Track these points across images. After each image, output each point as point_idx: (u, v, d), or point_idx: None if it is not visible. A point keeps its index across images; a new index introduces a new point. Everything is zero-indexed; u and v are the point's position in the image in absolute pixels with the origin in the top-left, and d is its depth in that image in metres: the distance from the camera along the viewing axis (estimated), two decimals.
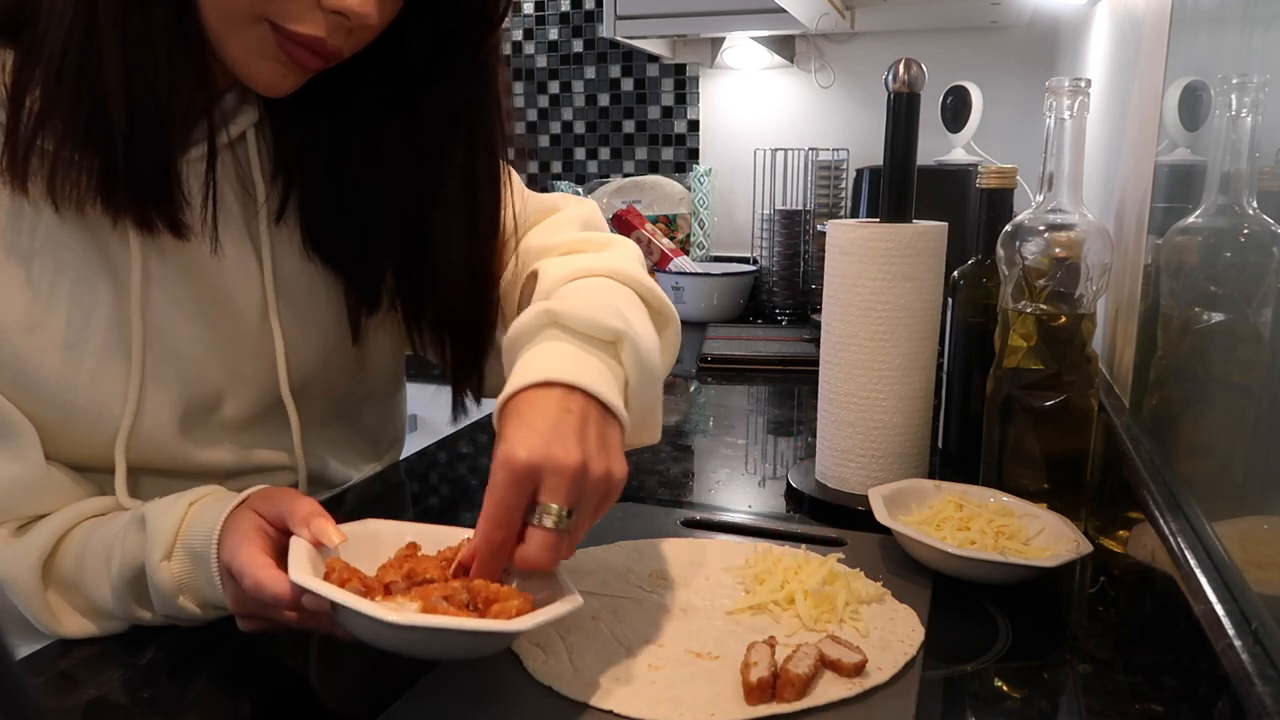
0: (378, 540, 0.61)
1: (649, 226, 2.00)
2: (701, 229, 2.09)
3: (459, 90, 0.73)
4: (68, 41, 0.59)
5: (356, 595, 0.53)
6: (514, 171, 0.82)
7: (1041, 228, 0.80)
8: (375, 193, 0.74)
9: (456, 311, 0.78)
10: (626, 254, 0.77)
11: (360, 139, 0.73)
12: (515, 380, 0.60)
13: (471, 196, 0.75)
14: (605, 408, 0.59)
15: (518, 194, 0.83)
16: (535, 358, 0.61)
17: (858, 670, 0.57)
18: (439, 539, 0.61)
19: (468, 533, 0.63)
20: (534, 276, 0.75)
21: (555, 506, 0.55)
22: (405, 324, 0.80)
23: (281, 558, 0.57)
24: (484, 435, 1.14)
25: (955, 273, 0.96)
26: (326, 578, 0.55)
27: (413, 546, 0.60)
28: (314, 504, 0.59)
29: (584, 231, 0.82)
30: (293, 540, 0.57)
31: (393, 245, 0.77)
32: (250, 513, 0.60)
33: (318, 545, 0.57)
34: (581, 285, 0.70)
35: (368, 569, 0.58)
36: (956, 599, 0.69)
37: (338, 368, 0.80)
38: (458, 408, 0.84)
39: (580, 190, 2.16)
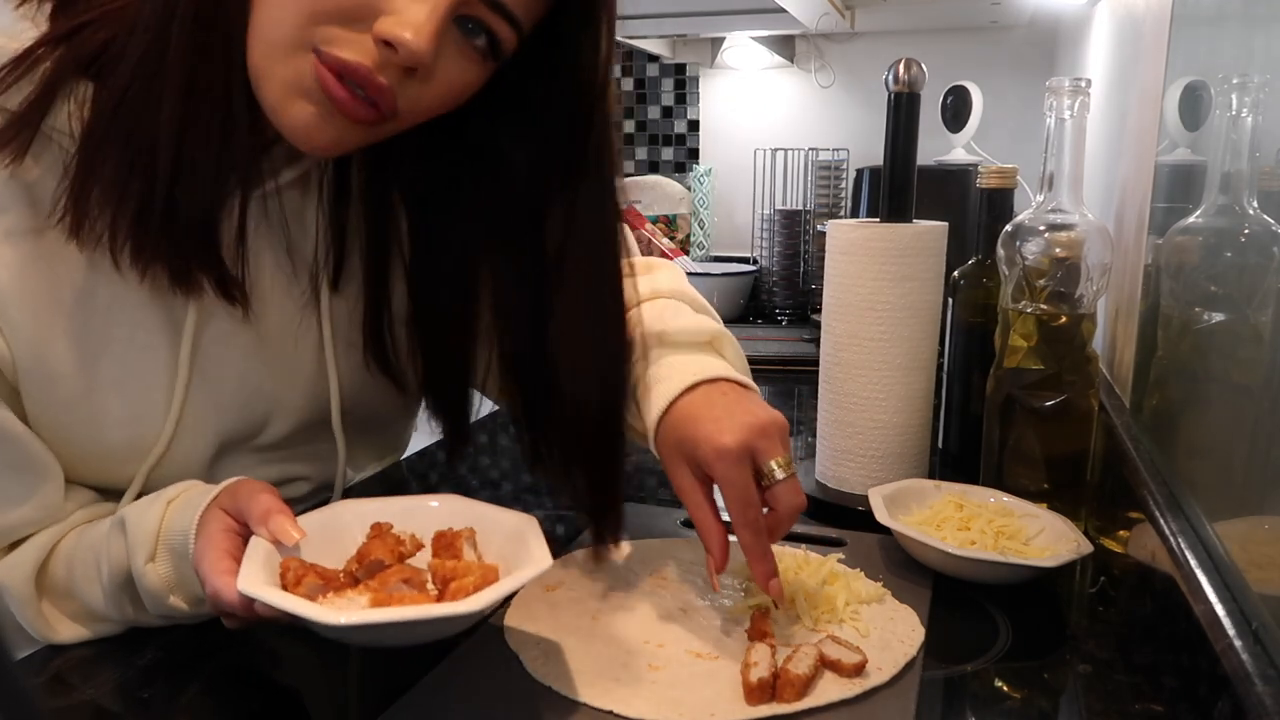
0: (347, 525, 0.61)
1: (649, 226, 2.00)
2: (701, 229, 2.09)
3: (573, 208, 0.66)
4: (133, 77, 0.57)
5: (313, 591, 0.53)
6: None
7: (1041, 228, 0.80)
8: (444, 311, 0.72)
9: (586, 438, 0.69)
10: (672, 274, 0.83)
11: (444, 246, 0.70)
12: (660, 397, 0.67)
13: (589, 307, 0.68)
14: (738, 383, 0.68)
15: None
16: (664, 372, 0.68)
17: (858, 670, 0.57)
18: (410, 511, 0.61)
19: (437, 500, 0.63)
20: None
21: (780, 459, 0.62)
22: (530, 457, 0.73)
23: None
24: (483, 435, 1.14)
25: (955, 273, 0.96)
26: (282, 577, 0.54)
27: (377, 528, 0.60)
28: (272, 500, 0.58)
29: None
30: (251, 540, 0.56)
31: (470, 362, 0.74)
32: (218, 512, 0.59)
33: (277, 543, 0.57)
34: (649, 308, 0.76)
35: (338, 556, 0.58)
36: (956, 599, 0.69)
37: (371, 394, 0.79)
38: (601, 545, 0.72)
39: None
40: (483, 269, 0.71)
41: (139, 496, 0.67)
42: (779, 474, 0.62)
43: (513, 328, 0.70)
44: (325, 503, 0.81)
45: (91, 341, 0.63)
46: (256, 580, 0.52)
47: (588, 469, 0.70)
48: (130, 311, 0.64)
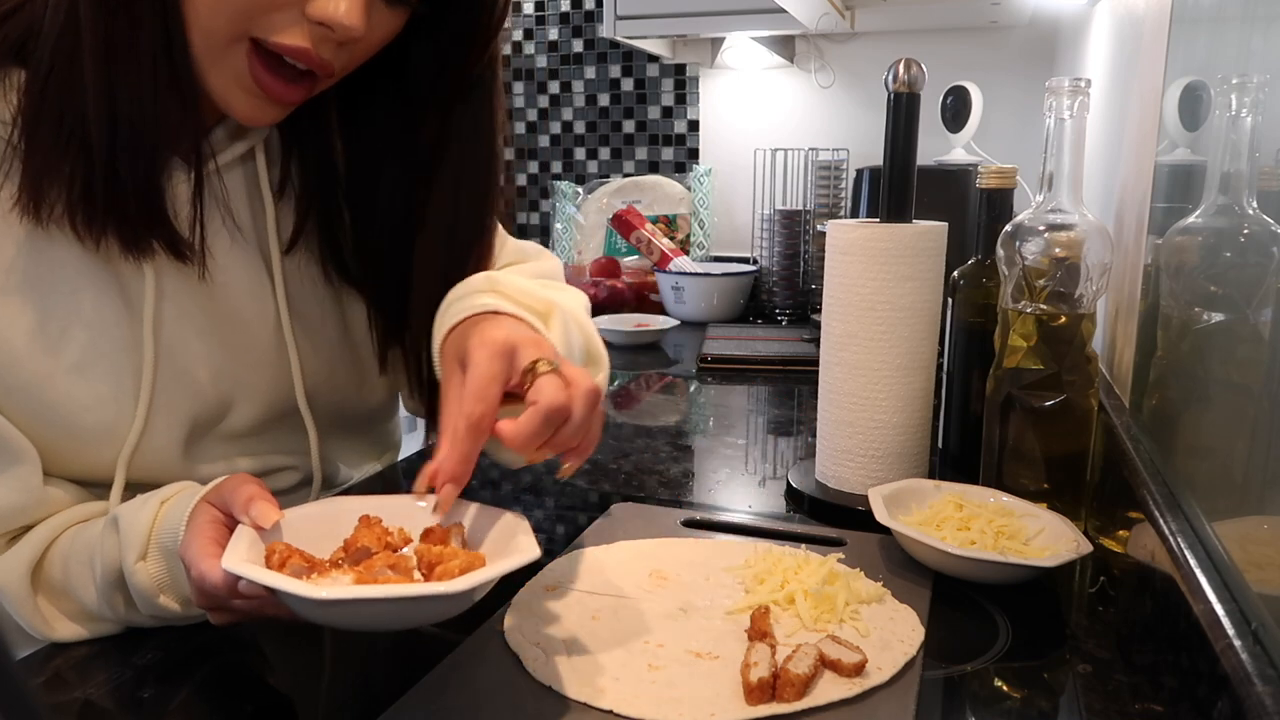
0: (336, 519, 0.60)
1: (649, 226, 2.00)
2: (701, 229, 2.09)
3: (454, 114, 0.73)
4: (54, 58, 0.60)
5: (297, 572, 0.53)
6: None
7: (1041, 228, 0.80)
8: (378, 214, 0.76)
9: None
10: (575, 297, 0.81)
11: (365, 161, 0.75)
12: (462, 309, 0.64)
13: (452, 229, 0.75)
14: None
15: (499, 237, 0.84)
16: (482, 299, 0.65)
17: (858, 670, 0.57)
18: (402, 508, 0.61)
19: (428, 499, 0.63)
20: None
21: (544, 359, 0.57)
22: (379, 349, 0.81)
23: None
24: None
25: (955, 273, 0.96)
26: (268, 560, 0.54)
27: (365, 519, 0.60)
28: (255, 488, 0.59)
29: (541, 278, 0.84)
30: (237, 529, 0.57)
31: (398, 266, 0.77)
32: (205, 505, 0.60)
33: (261, 529, 0.57)
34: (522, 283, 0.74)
35: (326, 550, 0.58)
36: (956, 599, 0.69)
37: (341, 380, 0.80)
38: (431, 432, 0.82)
39: (580, 190, 2.16)
40: (406, 189, 0.75)
41: (125, 488, 0.68)
42: (543, 367, 0.57)
43: (392, 224, 0.76)
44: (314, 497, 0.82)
45: (52, 326, 0.64)
46: (243, 558, 0.52)
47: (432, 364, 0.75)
48: (90, 293, 0.65)
